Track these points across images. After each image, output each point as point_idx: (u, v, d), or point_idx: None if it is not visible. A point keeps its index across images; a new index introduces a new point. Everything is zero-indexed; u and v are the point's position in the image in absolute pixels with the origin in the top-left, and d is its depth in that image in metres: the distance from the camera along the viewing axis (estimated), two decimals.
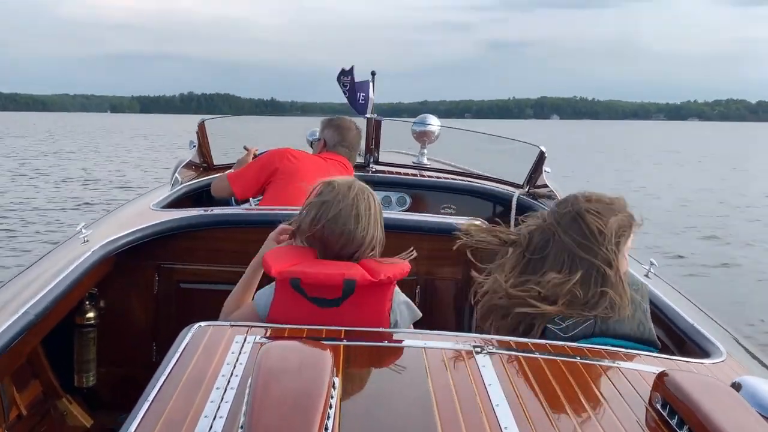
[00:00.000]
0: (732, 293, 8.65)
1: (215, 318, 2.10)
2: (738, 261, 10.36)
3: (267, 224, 2.84)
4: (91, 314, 2.83)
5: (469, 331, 2.93)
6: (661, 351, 2.02)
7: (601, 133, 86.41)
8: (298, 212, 2.18)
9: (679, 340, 2.34)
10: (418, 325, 2.19)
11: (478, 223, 2.26)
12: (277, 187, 3.57)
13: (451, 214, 4.32)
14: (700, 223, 13.60)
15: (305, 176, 3.29)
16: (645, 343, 1.96)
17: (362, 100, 4.59)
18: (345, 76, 4.61)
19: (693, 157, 31.74)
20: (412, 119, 5.05)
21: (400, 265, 2.07)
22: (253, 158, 3.96)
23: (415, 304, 2.23)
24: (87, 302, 2.82)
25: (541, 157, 4.33)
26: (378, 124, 4.67)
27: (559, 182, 4.27)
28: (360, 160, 4.72)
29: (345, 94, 4.63)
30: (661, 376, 1.50)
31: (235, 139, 4.40)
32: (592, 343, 1.89)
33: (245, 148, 4.15)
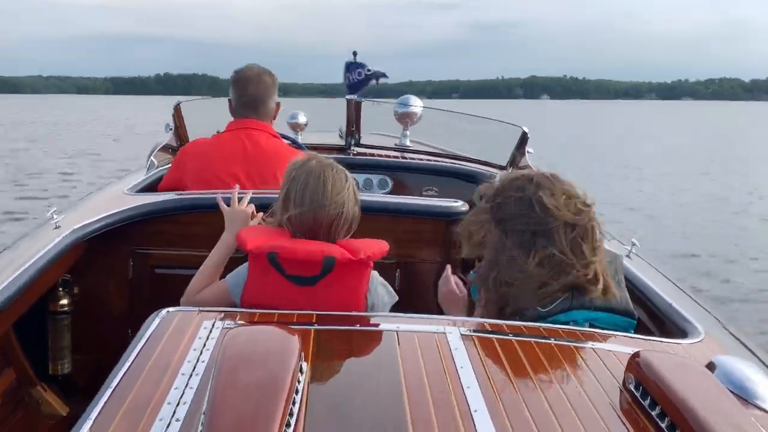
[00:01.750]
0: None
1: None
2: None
3: None
4: (64, 301, 2.79)
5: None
6: (640, 331, 2.01)
7: (595, 115, 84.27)
8: (273, 194, 2.15)
9: (658, 319, 2.32)
10: (398, 308, 2.16)
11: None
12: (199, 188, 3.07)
13: (433, 196, 4.28)
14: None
15: (215, 174, 3.05)
16: (621, 313, 1.95)
17: (358, 76, 4.52)
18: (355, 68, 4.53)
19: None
20: (395, 100, 5.00)
21: (379, 244, 2.06)
22: None
23: (395, 287, 2.21)
24: (60, 288, 2.77)
25: (523, 138, 4.31)
26: (358, 105, 4.61)
27: (541, 162, 4.24)
28: (341, 142, 4.68)
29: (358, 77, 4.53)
30: (634, 357, 1.49)
31: (213, 121, 4.33)
32: (569, 317, 1.88)
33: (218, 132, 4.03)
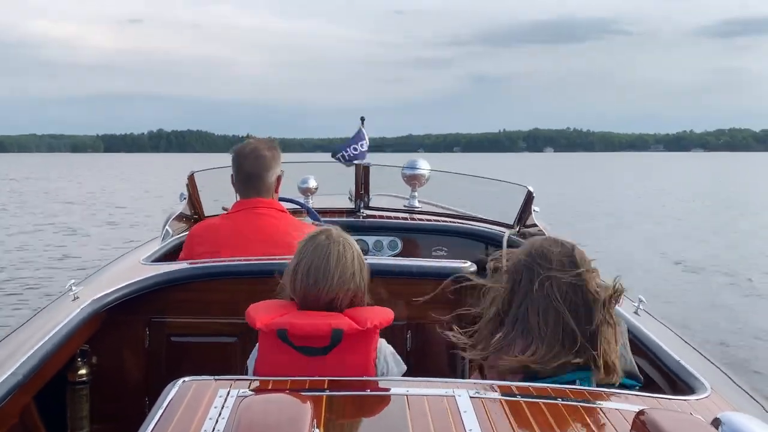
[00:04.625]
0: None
1: (206, 371, 2.12)
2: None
3: (256, 275, 2.88)
4: (83, 371, 2.82)
5: (463, 375, 2.93)
6: (648, 387, 2.04)
7: (607, 167, 79.79)
8: (286, 262, 2.22)
9: (666, 376, 2.35)
10: (410, 369, 2.21)
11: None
12: None
13: (442, 257, 4.34)
14: None
15: (224, 254, 3.05)
16: (627, 376, 1.98)
17: (359, 149, 4.63)
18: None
19: None
20: (400, 166, 5.10)
21: (384, 312, 2.12)
22: None
23: (406, 348, 2.25)
24: (78, 359, 2.81)
25: (529, 197, 4.38)
26: (366, 169, 4.71)
27: (548, 221, 4.32)
28: (351, 205, 4.78)
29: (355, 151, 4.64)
30: (639, 415, 1.52)
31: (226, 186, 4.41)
32: (577, 378, 1.91)
33: (223, 208, 3.99)
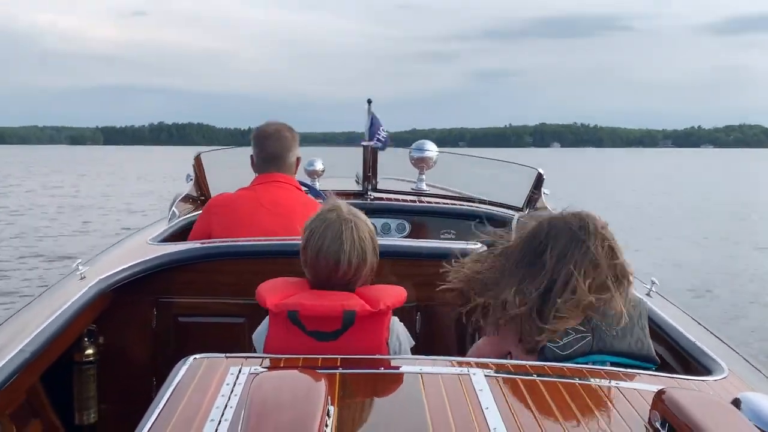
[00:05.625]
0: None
1: (214, 351, 2.10)
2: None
3: (263, 255, 2.85)
4: (90, 351, 2.81)
5: None
6: (663, 369, 2.01)
7: (629, 164, 73.56)
8: (297, 243, 2.18)
9: (682, 358, 2.32)
10: (419, 351, 2.17)
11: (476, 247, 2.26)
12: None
13: (451, 239, 4.31)
14: None
15: (242, 224, 3.11)
16: (643, 359, 1.96)
17: (382, 137, 4.63)
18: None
19: None
20: (405, 148, 5.07)
21: (397, 291, 2.07)
22: None
23: (416, 330, 2.21)
24: (86, 339, 2.80)
25: (539, 179, 4.35)
26: (374, 151, 4.68)
27: (558, 203, 4.27)
28: (358, 187, 4.74)
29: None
30: (659, 394, 1.49)
31: (233, 171, 4.39)
32: (589, 361, 1.88)
33: None
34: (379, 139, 4.61)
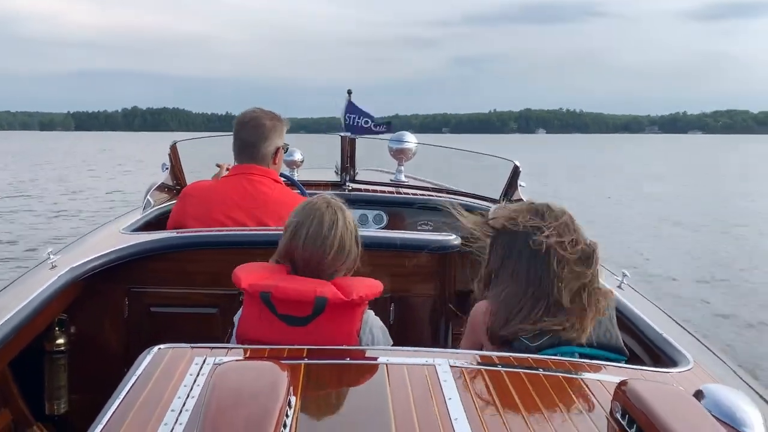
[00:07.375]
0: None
1: (186, 342, 2.09)
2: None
3: (240, 245, 2.84)
4: (61, 340, 2.79)
5: (446, 346, 2.92)
6: (632, 361, 2.03)
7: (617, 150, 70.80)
8: (271, 234, 2.19)
9: (650, 350, 2.34)
10: (393, 342, 2.18)
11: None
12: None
13: (428, 231, 4.32)
14: None
15: (214, 217, 3.08)
16: (612, 350, 1.98)
17: (364, 124, 4.61)
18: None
19: None
20: (389, 136, 5.06)
21: (373, 284, 2.09)
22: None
23: (389, 321, 2.22)
24: (56, 328, 2.78)
25: (515, 172, 4.36)
26: (353, 142, 4.67)
27: (533, 196, 4.28)
28: (336, 178, 4.73)
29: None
30: (621, 385, 1.50)
31: (209, 158, 4.36)
32: (558, 352, 1.90)
33: (217, 165, 4.06)
34: (379, 127, 4.61)
